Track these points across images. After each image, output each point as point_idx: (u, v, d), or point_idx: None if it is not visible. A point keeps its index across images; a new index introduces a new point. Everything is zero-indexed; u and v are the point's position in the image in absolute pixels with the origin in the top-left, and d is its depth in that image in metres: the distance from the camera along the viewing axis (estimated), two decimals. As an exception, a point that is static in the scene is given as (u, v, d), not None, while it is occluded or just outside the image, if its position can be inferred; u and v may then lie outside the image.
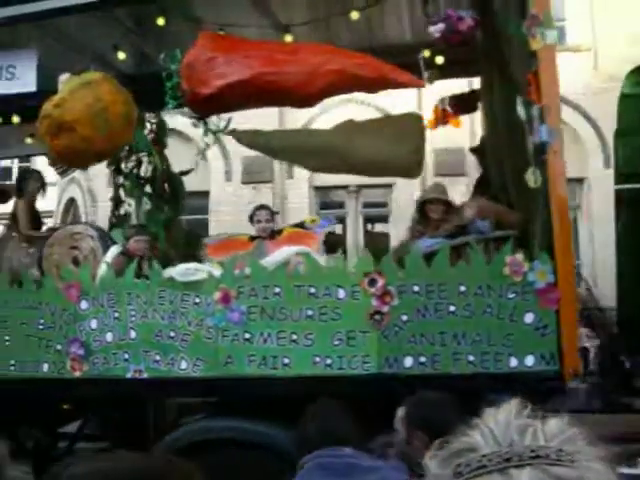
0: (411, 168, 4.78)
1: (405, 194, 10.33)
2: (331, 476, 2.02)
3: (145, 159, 5.41)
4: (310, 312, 3.51)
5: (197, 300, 3.64)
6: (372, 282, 3.45)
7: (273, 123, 9.30)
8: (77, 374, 3.76)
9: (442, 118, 4.72)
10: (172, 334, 3.65)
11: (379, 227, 12.02)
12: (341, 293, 3.49)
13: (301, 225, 4.32)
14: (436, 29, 3.72)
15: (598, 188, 10.09)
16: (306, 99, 3.85)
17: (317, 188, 11.29)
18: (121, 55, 4.26)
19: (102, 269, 3.86)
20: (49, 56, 4.43)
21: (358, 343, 3.44)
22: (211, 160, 11.28)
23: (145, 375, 3.65)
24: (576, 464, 0.64)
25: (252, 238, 4.10)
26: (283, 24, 4.10)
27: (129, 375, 3.67)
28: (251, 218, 4.20)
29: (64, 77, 4.10)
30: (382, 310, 3.40)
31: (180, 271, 3.61)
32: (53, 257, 4.04)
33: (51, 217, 14.36)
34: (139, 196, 5.09)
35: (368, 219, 11.43)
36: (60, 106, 3.81)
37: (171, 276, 3.62)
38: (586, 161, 10.63)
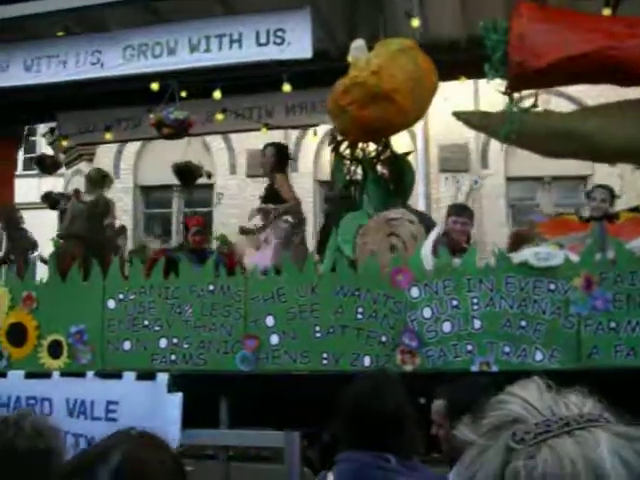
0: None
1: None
2: None
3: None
4: (684, 299, 4.10)
5: (552, 287, 4.21)
6: None
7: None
8: (408, 368, 4.29)
9: None
10: (523, 323, 4.22)
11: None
12: None
13: (637, 209, 4.94)
14: None
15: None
16: (641, 76, 4.49)
17: (321, 182, 12.99)
18: (415, 22, 4.83)
19: (427, 254, 4.39)
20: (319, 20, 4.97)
21: None
22: (216, 154, 13.51)
23: (495, 368, 4.17)
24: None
25: (581, 218, 4.70)
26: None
27: (474, 368, 4.24)
28: (588, 195, 4.83)
29: (357, 43, 4.65)
30: None
31: (533, 255, 4.17)
32: (367, 248, 4.56)
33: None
34: (374, 178, 5.61)
35: None
36: (378, 73, 4.35)
37: (525, 261, 4.18)
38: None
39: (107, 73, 5.37)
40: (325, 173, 13.10)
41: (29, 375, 4.89)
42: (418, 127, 11.31)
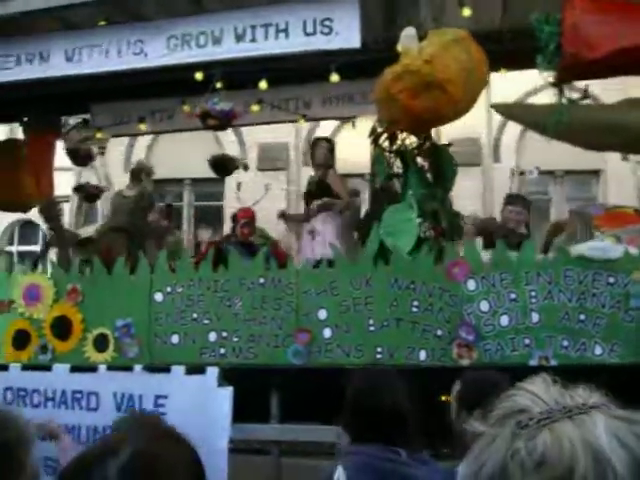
0: None
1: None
2: None
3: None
4: None
5: (611, 280, 4.19)
6: None
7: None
8: (465, 362, 4.28)
9: None
10: (582, 317, 4.21)
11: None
12: None
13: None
14: None
15: (615, 181, 12.10)
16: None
17: None
18: (466, 12, 4.78)
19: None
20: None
21: None
22: (226, 147, 13.19)
23: (553, 362, 4.16)
24: None
25: (637, 211, 4.69)
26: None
27: (533, 362, 4.24)
28: None
29: (408, 31, 4.61)
30: None
31: (592, 249, 4.14)
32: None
33: (67, 202, 15.32)
34: (416, 170, 5.57)
35: None
36: (432, 62, 4.32)
37: (582, 254, 4.15)
38: (602, 153, 12.43)
39: (150, 63, 5.32)
40: (336, 167, 13.37)
41: (75, 369, 4.85)
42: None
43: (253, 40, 5.15)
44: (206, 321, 4.81)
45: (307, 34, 5.09)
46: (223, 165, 7.08)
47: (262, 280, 4.74)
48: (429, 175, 5.96)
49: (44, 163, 6.72)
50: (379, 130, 6.22)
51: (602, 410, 0.92)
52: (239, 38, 5.17)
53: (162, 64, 5.30)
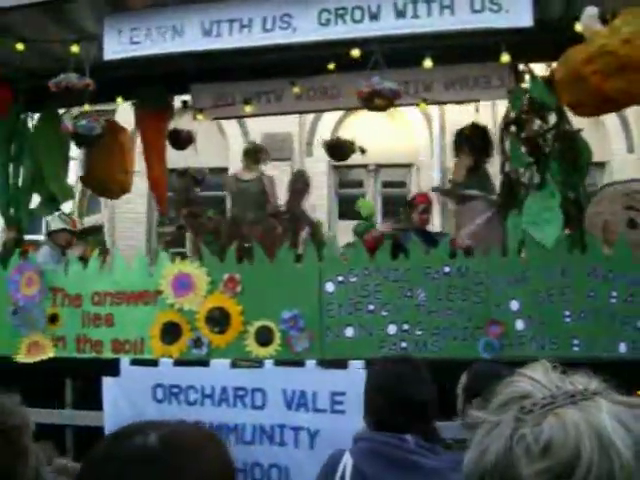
0: None
1: (424, 174, 12.73)
2: (393, 470, 2.48)
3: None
4: None
5: None
6: None
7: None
8: (666, 355, 4.15)
9: None
10: None
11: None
12: None
13: None
14: None
15: (620, 172, 12.18)
16: None
17: (336, 167, 13.33)
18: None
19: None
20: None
21: None
22: (230, 137, 13.30)
23: None
24: None
25: None
26: None
27: None
28: None
29: (592, 11, 4.46)
30: None
31: None
32: (600, 216, 4.40)
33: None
34: (555, 158, 5.44)
35: (387, 198, 13.44)
36: (631, 42, 4.19)
37: None
38: (609, 145, 12.67)
39: (300, 39, 5.05)
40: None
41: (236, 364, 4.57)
42: (435, 112, 11.46)
43: (415, 16, 4.91)
44: (384, 313, 4.61)
45: (474, 11, 4.88)
46: (339, 149, 6.83)
47: (447, 269, 4.57)
48: (565, 160, 5.82)
49: (156, 143, 6.33)
50: (512, 115, 6.04)
51: (604, 396, 0.94)
52: (400, 14, 4.92)
53: (313, 40, 5.03)
